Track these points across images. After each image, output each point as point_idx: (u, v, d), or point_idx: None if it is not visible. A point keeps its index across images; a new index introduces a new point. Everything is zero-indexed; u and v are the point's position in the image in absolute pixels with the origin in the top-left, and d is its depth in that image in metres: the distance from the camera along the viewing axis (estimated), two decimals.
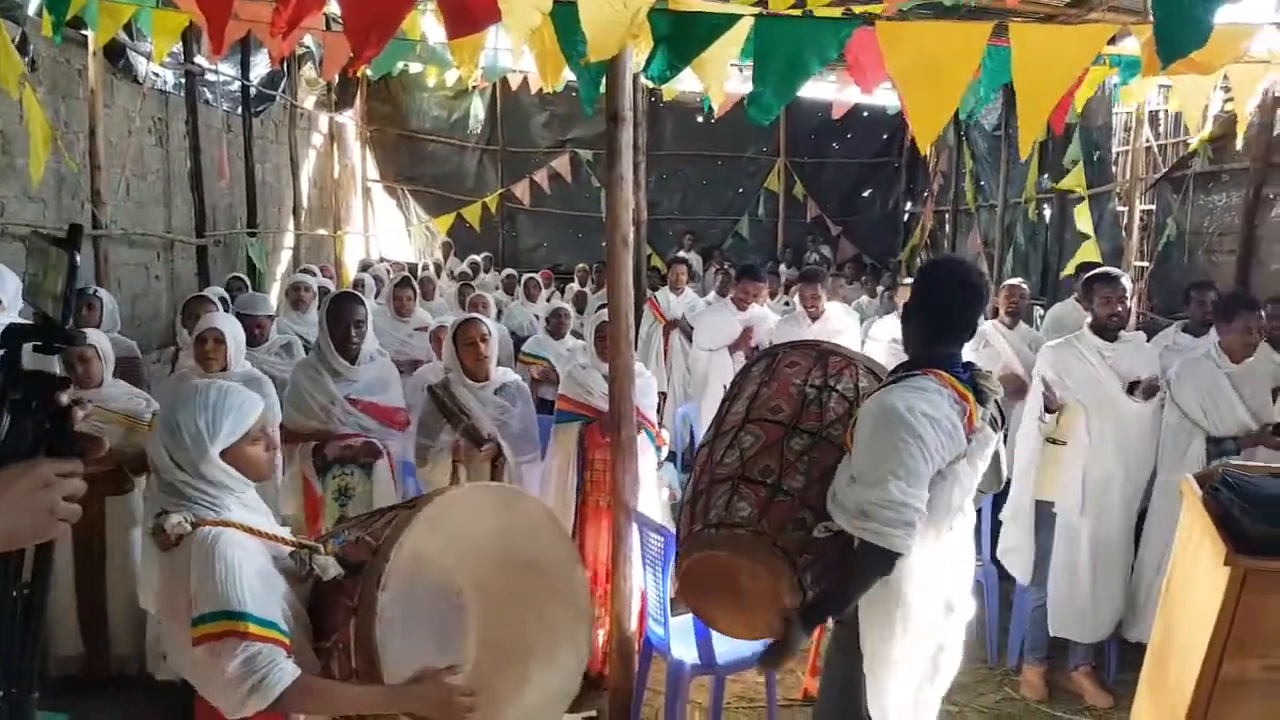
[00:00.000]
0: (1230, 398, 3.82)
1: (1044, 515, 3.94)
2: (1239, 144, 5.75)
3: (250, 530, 1.95)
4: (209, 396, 1.96)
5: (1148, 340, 5.51)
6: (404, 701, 1.87)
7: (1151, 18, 2.54)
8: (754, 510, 2.25)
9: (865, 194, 14.29)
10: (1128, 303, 3.83)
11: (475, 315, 3.84)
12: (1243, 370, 3.87)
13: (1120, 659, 4.01)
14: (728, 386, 2.75)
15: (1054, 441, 3.88)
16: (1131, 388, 3.75)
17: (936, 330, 2.33)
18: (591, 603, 2.33)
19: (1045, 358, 3.92)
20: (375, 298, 7.40)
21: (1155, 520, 3.90)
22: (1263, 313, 3.96)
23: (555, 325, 6.00)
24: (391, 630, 1.87)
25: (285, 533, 2.13)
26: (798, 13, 3.18)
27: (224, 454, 1.95)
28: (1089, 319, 3.92)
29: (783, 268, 11.90)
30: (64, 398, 1.09)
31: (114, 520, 3.69)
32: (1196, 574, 2.26)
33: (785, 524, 2.23)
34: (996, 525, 4.27)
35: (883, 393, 2.24)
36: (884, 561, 2.14)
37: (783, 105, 2.97)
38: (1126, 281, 3.86)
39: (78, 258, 1.10)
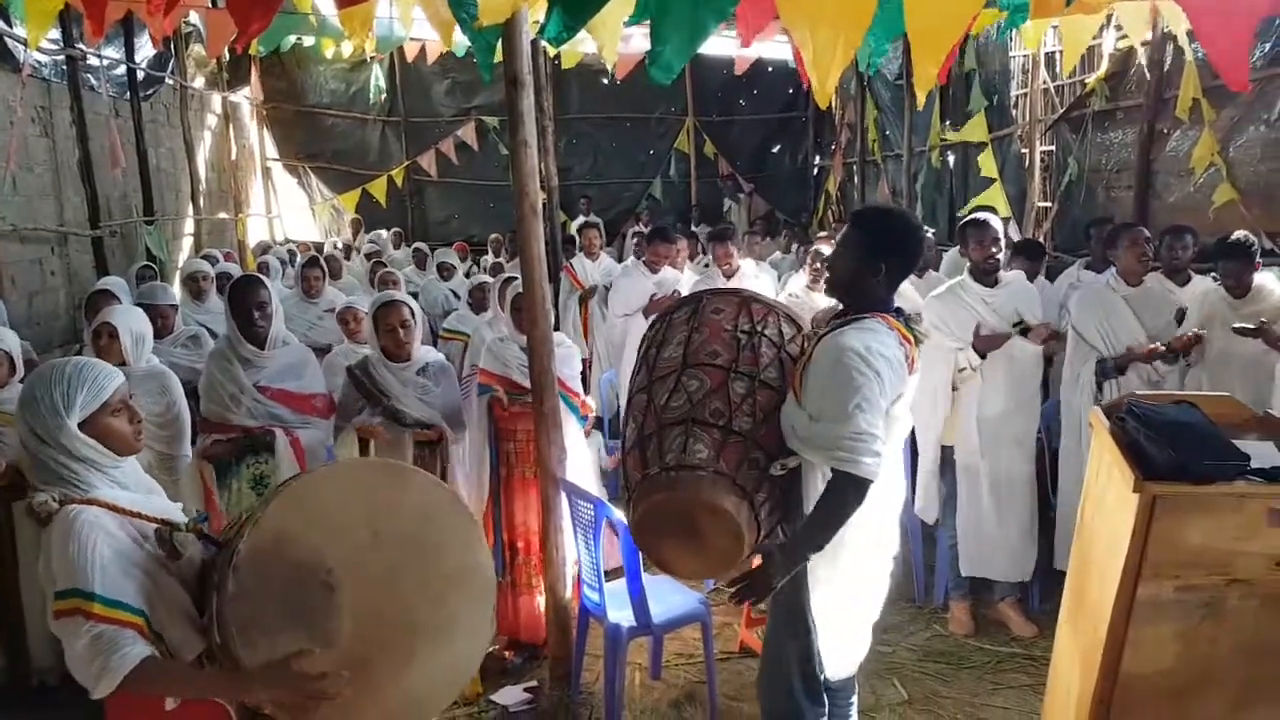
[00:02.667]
0: (1128, 321, 3.96)
1: (946, 459, 4.07)
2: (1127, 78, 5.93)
3: (115, 509, 1.95)
4: (65, 370, 1.99)
5: (1050, 280, 5.72)
6: (248, 686, 1.86)
7: None
8: (710, 452, 2.29)
9: (775, 150, 14.39)
10: (1000, 244, 3.90)
11: (397, 298, 3.69)
12: (1139, 294, 4.02)
13: (1043, 589, 4.15)
14: (649, 333, 2.72)
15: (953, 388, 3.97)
16: (1023, 330, 3.84)
17: (882, 277, 2.43)
18: (494, 584, 2.22)
19: (931, 308, 3.98)
20: (280, 280, 7.15)
21: (1065, 447, 4.04)
22: (1146, 231, 4.10)
23: (479, 299, 5.88)
24: (245, 610, 1.85)
25: (176, 511, 2.13)
26: None
27: (84, 427, 1.97)
28: (968, 265, 4.00)
29: (694, 227, 11.91)
30: None
31: (23, 527, 3.55)
32: (1108, 502, 2.33)
33: (741, 463, 2.30)
34: (914, 471, 4.38)
35: (838, 335, 2.35)
36: (860, 491, 2.26)
37: (683, 64, 2.93)
38: (996, 223, 3.94)
39: None
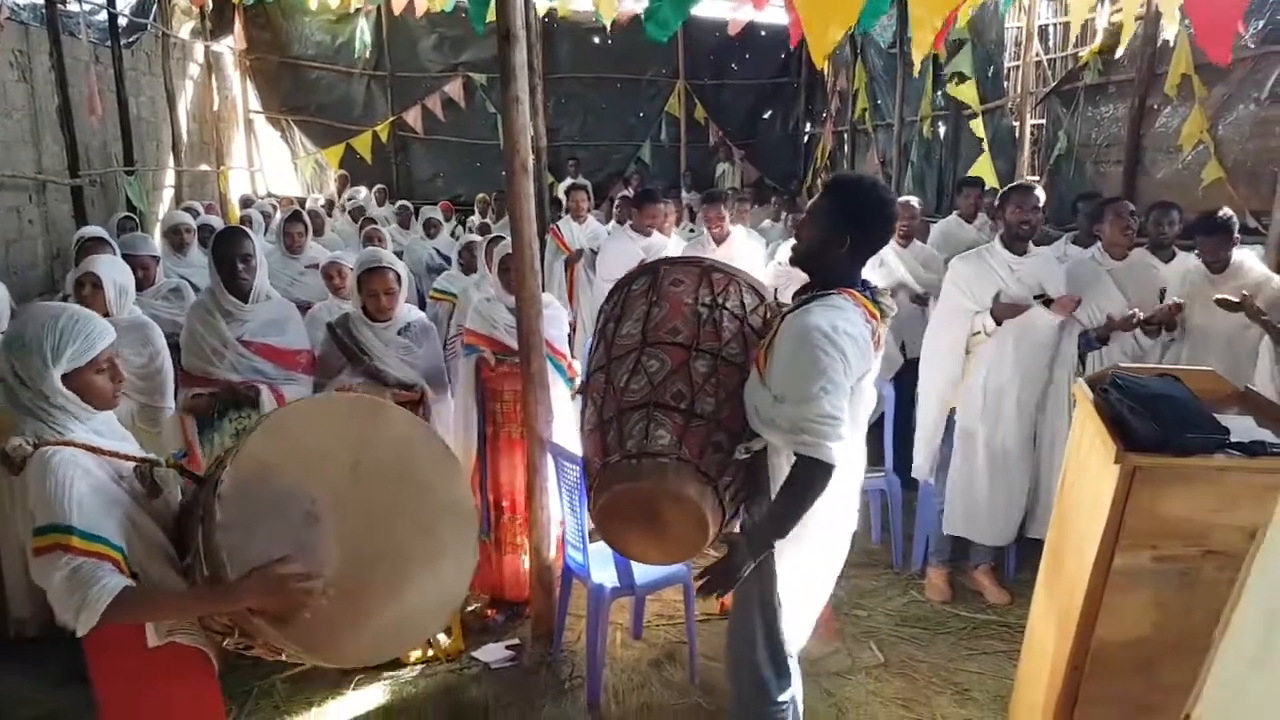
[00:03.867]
0: (1112, 294, 3.99)
1: (948, 423, 4.08)
2: (1120, 52, 5.92)
3: (92, 449, 1.97)
4: (59, 319, 1.98)
5: None
6: (235, 595, 1.87)
7: None
8: (673, 437, 2.22)
9: (766, 115, 14.27)
10: (1039, 213, 3.89)
11: (383, 264, 3.61)
12: (1123, 267, 4.05)
13: (1019, 559, 4.23)
14: (605, 306, 2.62)
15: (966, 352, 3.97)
16: (1045, 301, 3.83)
17: (850, 250, 2.32)
18: (475, 514, 2.33)
19: (956, 270, 3.99)
20: (263, 235, 7.07)
21: (1048, 417, 4.08)
22: (1131, 206, 4.12)
23: (468, 260, 5.83)
24: (236, 538, 1.88)
25: (136, 451, 2.13)
26: None
27: (67, 379, 1.97)
28: (1000, 230, 4.00)
29: (685, 193, 11.85)
30: None
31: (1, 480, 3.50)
32: (1089, 473, 2.36)
33: (704, 448, 2.24)
34: (897, 438, 4.41)
35: (803, 313, 2.24)
36: (825, 476, 2.19)
37: (680, 21, 2.90)
38: (1040, 193, 3.93)
39: None
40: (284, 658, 2.12)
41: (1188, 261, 4.16)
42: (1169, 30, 4.14)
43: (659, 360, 2.34)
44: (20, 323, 2.00)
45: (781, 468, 2.32)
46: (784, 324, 2.28)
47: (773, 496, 2.32)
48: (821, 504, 2.26)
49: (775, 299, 2.66)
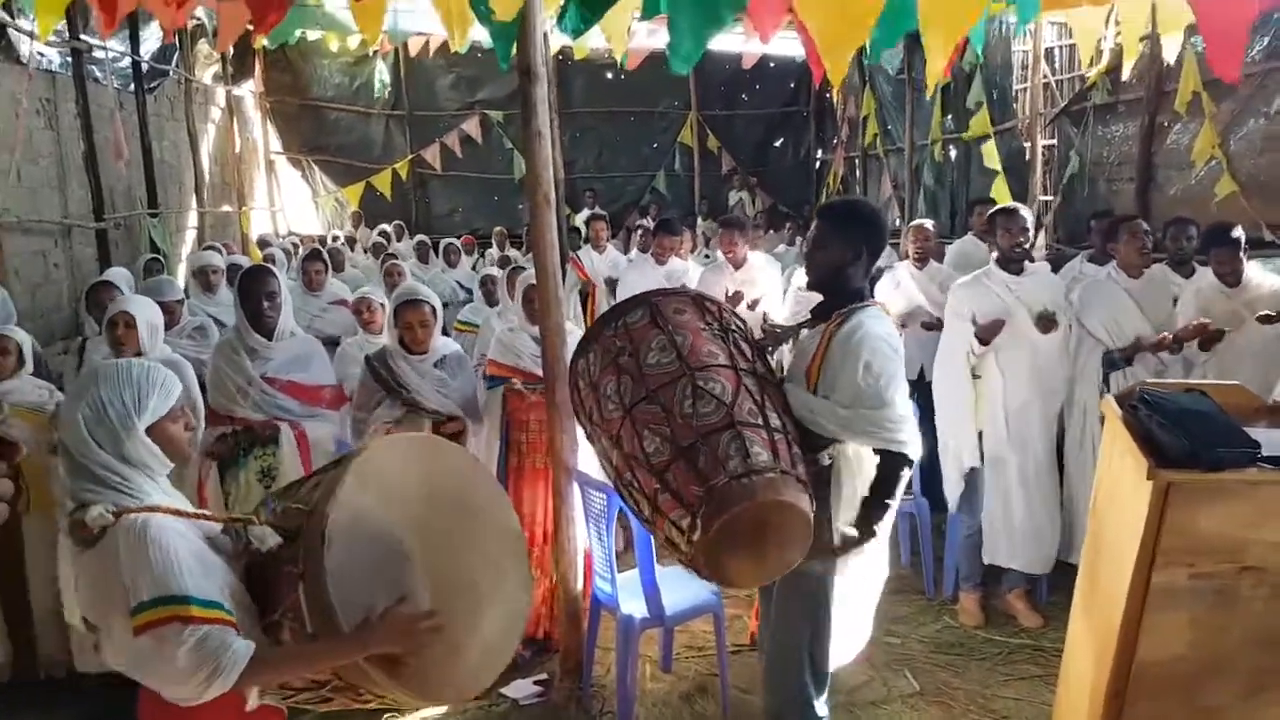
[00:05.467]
0: (1132, 312, 3.97)
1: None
2: (1126, 74, 5.95)
3: (177, 512, 1.88)
4: (132, 372, 1.90)
5: (1054, 271, 5.73)
6: (366, 641, 1.82)
7: None
8: (768, 453, 2.27)
9: (777, 144, 14.41)
10: (1029, 233, 3.93)
11: (419, 297, 3.68)
12: (1141, 284, 4.03)
13: (1051, 581, 4.17)
14: (599, 344, 2.56)
15: (974, 376, 3.99)
16: (1040, 320, 3.85)
17: (866, 266, 2.59)
18: (522, 532, 2.36)
19: (956, 295, 4.01)
20: (285, 273, 7.14)
21: (1072, 440, 4.05)
22: (1145, 224, 4.12)
23: (487, 293, 5.90)
24: (343, 587, 1.84)
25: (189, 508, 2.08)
26: None
27: (148, 432, 1.88)
28: (994, 254, 4.02)
29: (699, 220, 11.93)
30: None
31: (30, 519, 3.53)
32: (1121, 491, 2.35)
33: (792, 459, 2.31)
34: (926, 460, 4.39)
35: (856, 326, 2.49)
36: (909, 466, 2.48)
37: (700, 53, 2.95)
38: (1026, 213, 3.96)
39: None
40: (373, 705, 2.07)
41: (1209, 276, 4.15)
42: (1170, 52, 4.19)
43: (718, 383, 2.35)
44: (84, 389, 1.88)
45: (852, 469, 2.51)
46: (838, 337, 2.51)
47: (834, 497, 2.50)
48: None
49: (766, 320, 2.84)
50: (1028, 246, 3.93)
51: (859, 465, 2.53)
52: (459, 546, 2.15)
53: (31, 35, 6.04)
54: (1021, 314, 3.87)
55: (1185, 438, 2.13)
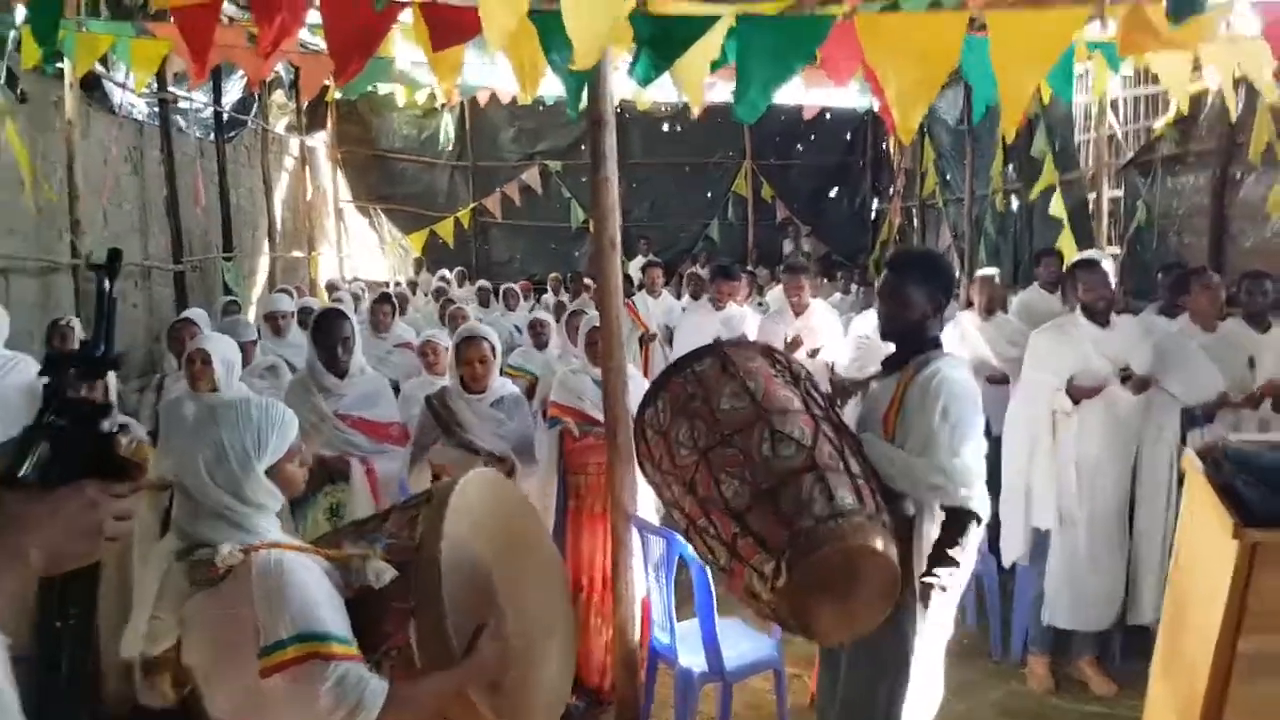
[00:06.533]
0: (1205, 368, 3.84)
1: (1035, 502, 3.94)
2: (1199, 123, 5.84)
3: (299, 548, 1.89)
4: (251, 413, 1.89)
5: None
6: (478, 667, 1.84)
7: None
8: (854, 497, 2.20)
9: (832, 194, 14.42)
10: (1110, 286, 3.80)
11: (478, 333, 3.76)
12: (1215, 339, 3.91)
13: (1126, 647, 4.01)
14: (669, 391, 2.52)
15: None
16: (1125, 376, 3.72)
17: (938, 309, 2.58)
18: (564, 572, 2.45)
19: (1036, 344, 3.90)
20: (354, 314, 7.32)
21: (1144, 498, 3.92)
22: (1217, 276, 4.00)
23: (535, 336, 5.96)
24: (458, 620, 1.86)
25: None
26: (775, 12, 3.18)
27: (267, 472, 1.88)
28: (1076, 306, 3.92)
29: (751, 267, 11.94)
30: (107, 424, 1.15)
31: (107, 565, 3.61)
32: (1204, 550, 2.26)
33: (877, 504, 2.25)
34: (993, 518, 4.27)
35: (935, 372, 2.46)
36: (978, 524, 2.41)
37: (767, 103, 2.99)
38: (1107, 265, 3.86)
39: (109, 285, 1.12)
40: None
41: None
42: (1267, 97, 4.10)
43: (798, 428, 2.29)
44: (201, 429, 1.88)
45: (931, 521, 2.45)
46: (916, 383, 2.46)
47: (915, 552, 2.43)
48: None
49: (833, 371, 2.82)
50: (1110, 299, 3.80)
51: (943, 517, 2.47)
52: (526, 580, 2.18)
53: (124, 87, 6.34)
54: (1105, 368, 3.73)
55: (1274, 494, 2.05)
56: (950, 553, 2.39)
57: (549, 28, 2.76)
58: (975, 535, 2.40)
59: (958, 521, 2.40)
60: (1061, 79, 3.59)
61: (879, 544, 2.16)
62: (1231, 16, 3.34)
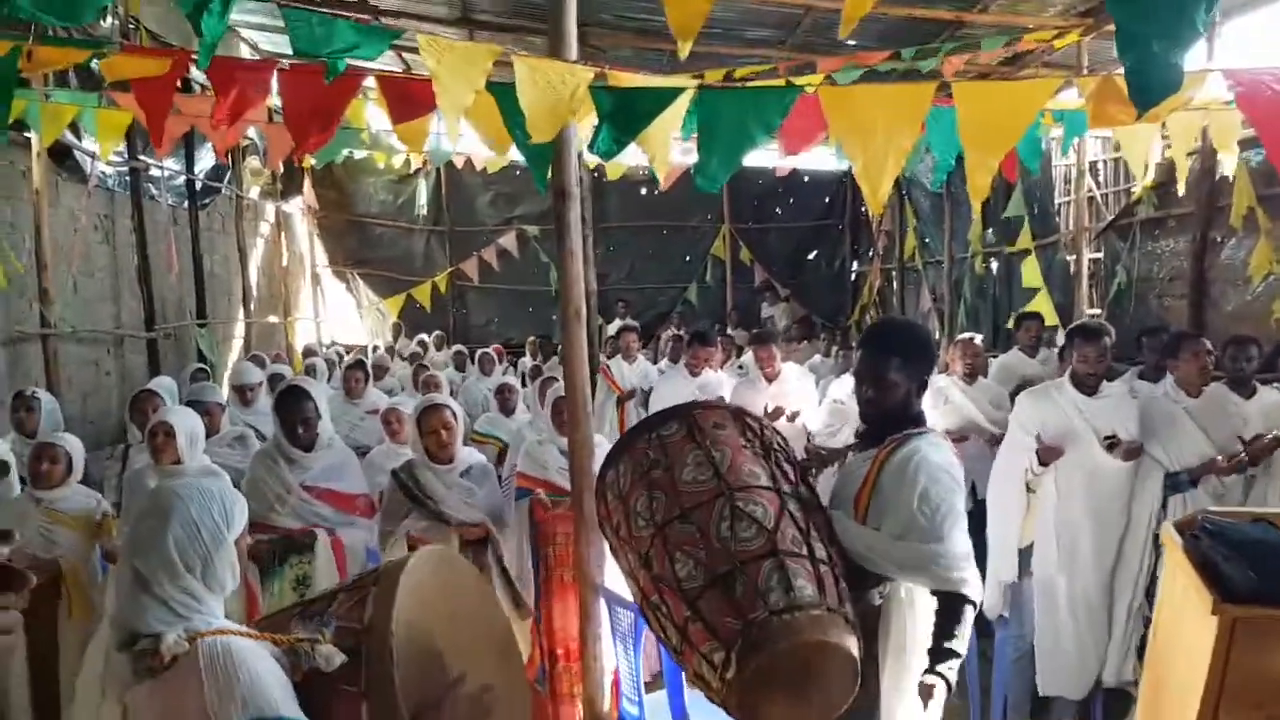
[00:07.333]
0: (1192, 433, 3.82)
1: (1022, 561, 3.94)
2: (1180, 189, 5.95)
3: (248, 634, 1.86)
4: (212, 490, 1.89)
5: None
6: None
7: (1104, 71, 2.59)
8: (813, 587, 2.08)
9: (811, 256, 14.51)
10: (1108, 361, 3.83)
11: (439, 401, 3.76)
12: (1201, 404, 3.89)
13: (1106, 712, 3.93)
14: (630, 458, 2.42)
15: (1029, 490, 3.87)
16: (1110, 445, 3.72)
17: (921, 388, 2.46)
18: (520, 651, 2.38)
19: (1022, 407, 3.93)
20: (327, 381, 7.25)
21: (1123, 560, 3.87)
22: (1208, 343, 4.01)
23: (502, 402, 5.90)
24: (410, 703, 1.84)
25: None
26: (738, 85, 3.20)
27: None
28: (1069, 370, 3.92)
29: (730, 330, 11.96)
30: None
31: (65, 635, 3.53)
32: (1184, 624, 2.21)
33: (840, 596, 2.13)
34: None
35: (912, 452, 2.34)
36: (972, 608, 2.26)
37: (729, 173, 2.98)
38: (1108, 339, 3.87)
39: None
40: None
41: (1272, 397, 4.00)
42: (1227, 166, 4.16)
43: (759, 505, 2.18)
44: (164, 510, 1.83)
45: (901, 610, 2.33)
46: (892, 464, 2.34)
47: (881, 640, 2.31)
48: (922, 640, 2.29)
49: (811, 441, 2.71)
50: (1104, 374, 3.81)
51: (910, 607, 2.33)
52: (481, 659, 2.14)
53: (94, 156, 6.33)
54: (1089, 435, 3.75)
55: (1252, 570, 2.00)
56: (950, 645, 2.26)
57: (507, 101, 2.75)
58: (970, 621, 2.28)
59: (953, 608, 2.27)
60: (1030, 150, 3.63)
61: (836, 639, 2.04)
62: (1202, 88, 3.38)
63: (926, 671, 2.25)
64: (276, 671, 1.81)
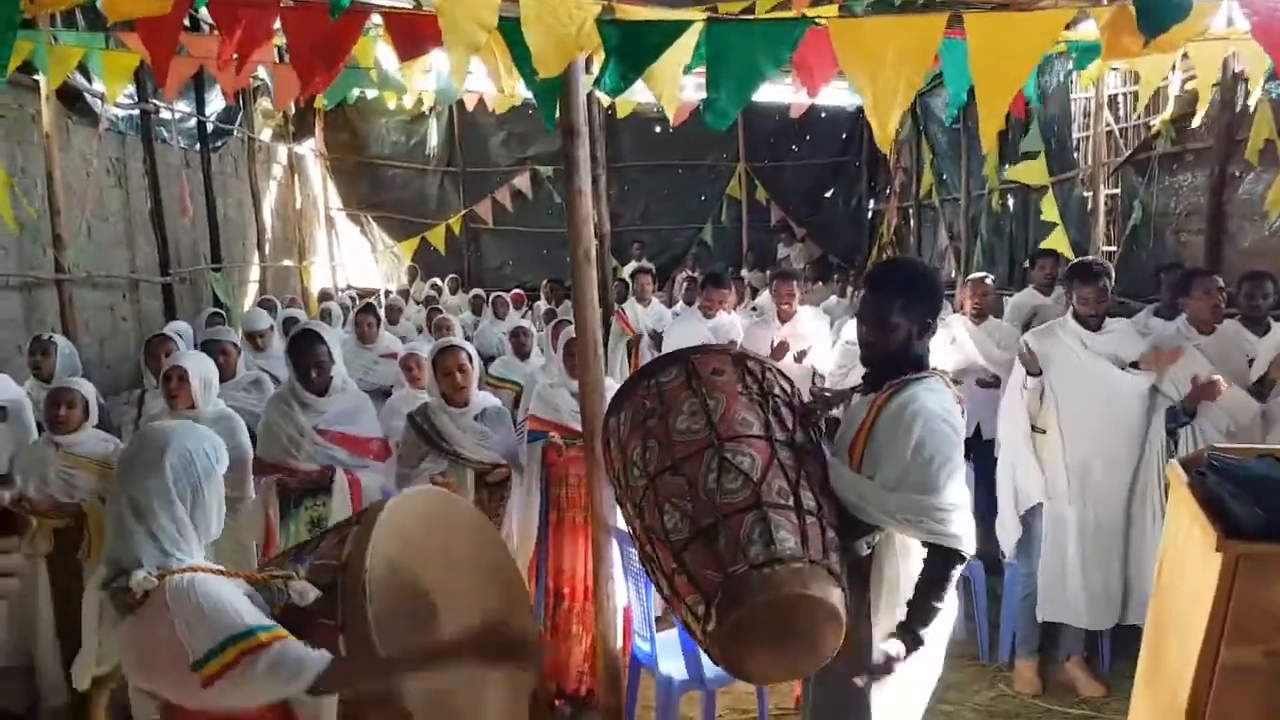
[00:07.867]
0: (1205, 370, 3.79)
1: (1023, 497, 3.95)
2: (1196, 122, 5.81)
3: (219, 571, 1.93)
4: (197, 429, 2.02)
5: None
6: (400, 672, 1.90)
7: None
8: (796, 539, 2.05)
9: (828, 194, 14.30)
10: (1106, 301, 3.80)
11: (454, 343, 3.78)
12: (1213, 341, 3.86)
13: (1114, 648, 3.99)
14: (629, 404, 2.39)
15: (1035, 429, 3.89)
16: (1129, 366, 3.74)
17: (924, 331, 2.35)
18: (526, 590, 2.42)
19: (1028, 343, 3.92)
20: (342, 326, 7.30)
21: (1139, 498, 3.88)
22: (1218, 279, 3.96)
23: (517, 345, 5.91)
24: (384, 640, 1.88)
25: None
26: (748, 17, 3.13)
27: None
28: (1070, 309, 3.90)
29: (745, 272, 11.88)
30: None
31: (88, 576, 3.57)
32: (1188, 561, 2.22)
33: (824, 547, 2.10)
34: (979, 522, 4.24)
35: (909, 399, 2.26)
36: (960, 563, 2.20)
37: (739, 110, 2.93)
38: (1107, 279, 3.82)
39: None
40: None
41: None
42: (1254, 97, 4.03)
43: (748, 456, 2.15)
44: (159, 444, 1.92)
45: (893, 560, 2.28)
46: (888, 411, 2.27)
47: (874, 587, 2.28)
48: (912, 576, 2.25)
49: (816, 382, 2.64)
50: (1104, 314, 3.80)
51: (904, 557, 2.29)
52: (475, 601, 2.17)
53: (103, 99, 6.29)
54: (1096, 368, 3.74)
55: (1258, 506, 2.00)
56: (933, 601, 2.21)
57: (515, 37, 2.71)
58: (956, 572, 2.22)
59: (943, 562, 2.21)
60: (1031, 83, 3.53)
61: (817, 591, 2.01)
62: (1224, 13, 3.28)
63: (898, 628, 2.22)
64: (241, 595, 1.88)
